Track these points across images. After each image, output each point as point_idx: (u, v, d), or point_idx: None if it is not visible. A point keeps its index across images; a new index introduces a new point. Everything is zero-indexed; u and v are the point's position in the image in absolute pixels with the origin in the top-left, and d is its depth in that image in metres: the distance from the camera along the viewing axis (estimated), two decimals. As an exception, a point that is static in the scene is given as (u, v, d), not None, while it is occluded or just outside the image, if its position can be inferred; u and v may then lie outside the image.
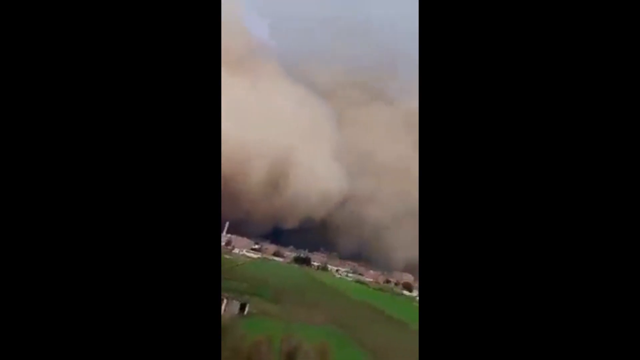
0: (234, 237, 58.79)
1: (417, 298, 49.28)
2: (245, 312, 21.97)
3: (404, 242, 69.52)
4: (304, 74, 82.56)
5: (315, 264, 55.69)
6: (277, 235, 66.60)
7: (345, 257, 64.74)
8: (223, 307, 20.30)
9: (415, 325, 32.37)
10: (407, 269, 62.52)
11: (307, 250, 61.43)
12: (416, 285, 55.05)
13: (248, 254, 53.63)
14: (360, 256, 66.90)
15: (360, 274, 57.29)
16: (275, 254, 56.34)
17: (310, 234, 67.02)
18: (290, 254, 58.88)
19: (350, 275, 55.77)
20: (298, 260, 54.52)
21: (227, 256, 46.73)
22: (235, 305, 21.95)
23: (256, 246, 58.04)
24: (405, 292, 52.00)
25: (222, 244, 55.33)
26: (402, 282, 56.08)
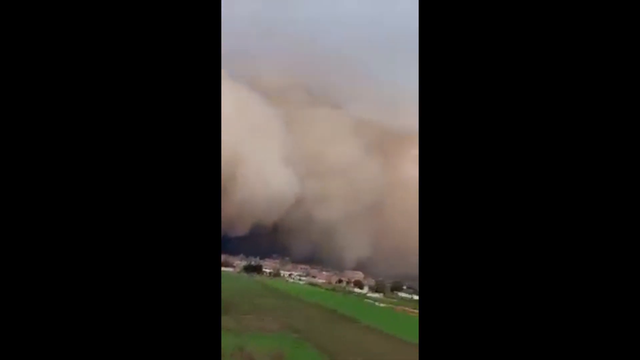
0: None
1: (367, 294, 50.80)
2: None
3: (355, 241, 71.44)
4: (246, 76, 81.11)
5: (267, 270, 54.80)
6: (225, 243, 64.47)
7: (298, 261, 64.68)
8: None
9: (366, 321, 33.34)
10: (357, 267, 64.31)
11: (258, 258, 60.19)
12: (366, 282, 56.80)
13: None
14: (313, 258, 67.39)
15: (313, 277, 57.67)
16: (224, 264, 54.31)
17: (261, 240, 65.89)
18: (240, 262, 57.20)
19: (303, 278, 55.86)
20: (248, 268, 53.21)
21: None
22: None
23: None
24: (357, 290, 53.36)
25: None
26: (353, 280, 57.49)
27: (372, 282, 57.08)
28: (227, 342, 19.66)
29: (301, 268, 60.61)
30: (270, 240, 67.02)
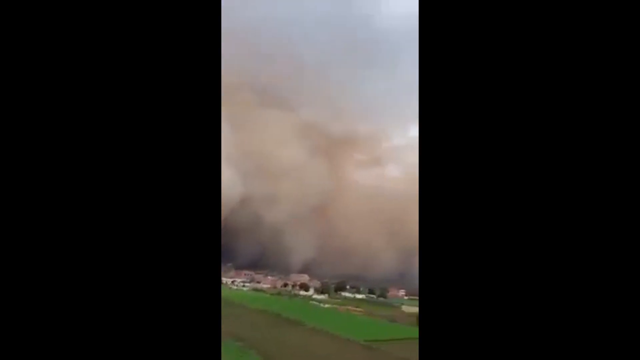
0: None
1: (313, 296, 51.53)
2: None
3: (301, 243, 71.77)
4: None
5: None
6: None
7: (243, 266, 63.17)
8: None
9: (311, 323, 33.69)
10: (303, 270, 64.73)
11: None
12: (312, 284, 57.49)
13: None
14: (258, 263, 66.34)
15: (257, 282, 56.72)
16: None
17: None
18: (180, 270, 54.29)
19: (247, 285, 54.70)
20: (189, 276, 50.64)
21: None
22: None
23: None
24: (302, 292, 53.78)
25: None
26: (298, 283, 57.79)
27: (317, 284, 57.93)
28: None
29: (245, 274, 59.33)
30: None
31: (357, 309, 43.86)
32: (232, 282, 54.20)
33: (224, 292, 45.69)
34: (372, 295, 55.58)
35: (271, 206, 73.35)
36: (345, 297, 53.14)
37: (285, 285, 57.18)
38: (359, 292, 56.69)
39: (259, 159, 76.28)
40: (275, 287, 55.20)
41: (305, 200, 74.39)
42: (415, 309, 34.66)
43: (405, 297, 54.07)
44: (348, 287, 58.56)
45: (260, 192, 73.94)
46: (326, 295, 52.85)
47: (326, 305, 45.79)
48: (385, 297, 55.10)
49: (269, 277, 59.99)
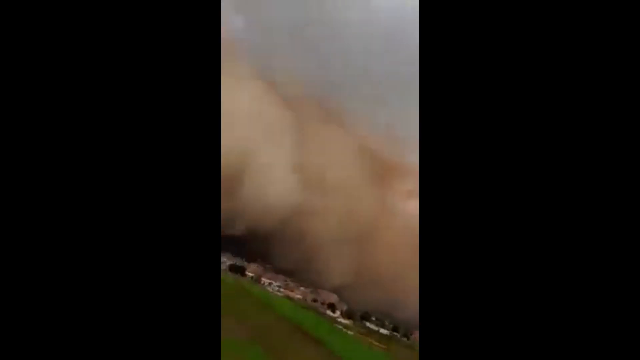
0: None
1: (338, 319, 52.02)
2: None
3: (338, 264, 72.24)
4: (272, 80, 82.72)
5: (250, 274, 56.07)
6: (216, 239, 65.43)
7: (280, 271, 65.67)
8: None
9: (332, 346, 34.07)
10: (335, 290, 65.25)
11: (244, 260, 61.49)
12: (339, 306, 57.94)
13: None
14: (295, 272, 68.37)
15: (290, 290, 58.66)
16: (211, 260, 55.71)
17: (251, 243, 67.11)
18: (226, 260, 58.58)
19: (281, 290, 56.90)
20: (233, 268, 54.51)
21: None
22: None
23: None
24: (329, 312, 54.48)
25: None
26: (327, 302, 58.54)
27: (344, 307, 58.26)
28: None
29: (281, 279, 61.72)
30: (259, 245, 68.25)
31: (380, 344, 43.24)
32: (269, 283, 56.64)
33: (259, 292, 48.18)
34: (396, 333, 54.48)
35: (318, 221, 75.10)
36: (369, 329, 52.74)
37: (315, 300, 58.25)
38: (383, 326, 55.89)
39: (316, 173, 78.71)
40: (305, 300, 56.58)
41: (351, 222, 74.81)
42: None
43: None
44: (374, 318, 57.98)
45: (311, 205, 76.16)
46: (351, 321, 52.94)
47: (350, 332, 45.96)
48: (408, 338, 53.67)
49: (301, 289, 61.58)
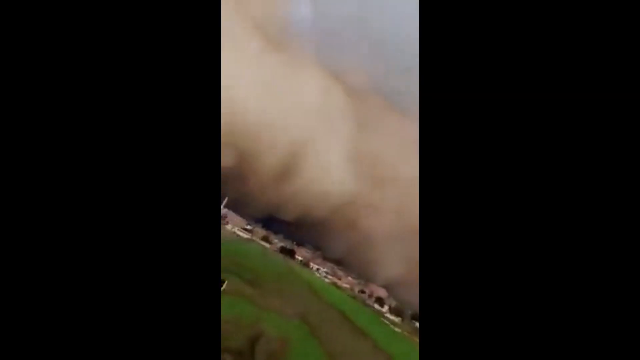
0: (230, 212, 60.20)
1: (386, 314, 50.59)
2: (222, 289, 22.64)
3: (390, 258, 70.53)
4: (335, 69, 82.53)
5: (299, 258, 57.05)
6: (271, 221, 68.02)
7: (329, 259, 65.99)
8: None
9: (378, 340, 33.37)
10: (384, 285, 63.71)
11: (294, 243, 62.84)
12: (388, 302, 56.31)
13: (239, 232, 55.15)
14: (344, 261, 68.18)
15: (338, 278, 58.56)
16: (264, 239, 57.79)
17: (303, 229, 68.35)
18: (277, 242, 60.29)
19: (329, 277, 57.08)
20: (283, 250, 55.83)
21: (218, 229, 47.86)
22: (214, 280, 22.73)
23: (248, 227, 59.40)
24: (376, 306, 53.28)
25: (217, 216, 56.22)
26: (375, 295, 57.34)
27: (393, 303, 56.47)
28: (248, 311, 21.87)
29: (329, 266, 61.86)
30: (311, 231, 69.22)
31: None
32: (317, 269, 57.23)
33: (307, 275, 49.11)
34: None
35: (372, 212, 73.77)
36: (416, 329, 50.43)
37: (362, 292, 57.48)
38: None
39: (374, 163, 77.19)
40: (352, 290, 56.10)
41: (408, 217, 72.30)
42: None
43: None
44: (424, 319, 55.25)
45: (366, 196, 75.03)
46: (399, 318, 51.18)
47: (397, 329, 44.52)
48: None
49: (349, 278, 61.14)
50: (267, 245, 55.56)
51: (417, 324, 52.40)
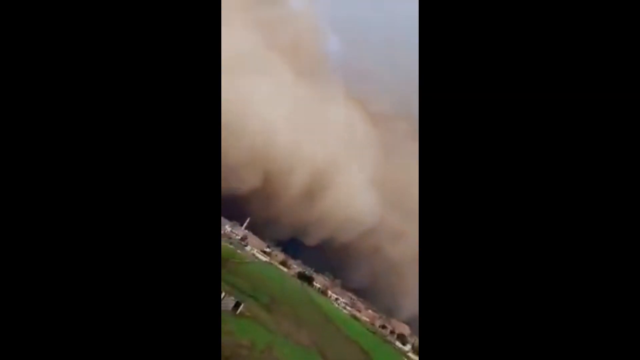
0: (250, 234, 60.77)
1: (408, 354, 47.97)
2: (238, 312, 22.78)
3: (414, 291, 67.91)
4: (361, 96, 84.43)
5: (317, 285, 55.97)
6: (292, 245, 67.93)
7: (349, 288, 64.36)
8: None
9: None
10: (407, 321, 60.94)
11: (312, 270, 61.93)
12: (411, 340, 53.50)
13: (258, 255, 55.24)
14: (365, 292, 66.23)
15: (357, 310, 56.66)
16: (282, 263, 57.44)
17: (325, 255, 67.59)
18: (296, 267, 59.69)
19: (347, 308, 55.39)
20: (301, 276, 55.13)
21: (238, 251, 48.60)
22: (230, 302, 23.03)
23: (267, 249, 59.53)
24: (398, 344, 50.80)
25: (238, 237, 57.31)
26: (397, 331, 54.74)
27: (417, 342, 53.59)
28: (262, 336, 21.58)
29: (348, 296, 60.16)
30: (332, 257, 68.30)
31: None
32: (336, 299, 55.83)
33: (325, 305, 47.99)
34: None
35: (399, 242, 72.06)
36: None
37: (384, 327, 55.10)
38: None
39: (401, 190, 76.40)
40: (373, 324, 53.96)
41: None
42: None
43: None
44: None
45: (391, 223, 73.76)
46: None
47: (418, 370, 41.94)
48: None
49: (370, 311, 58.99)
50: (284, 269, 55.17)
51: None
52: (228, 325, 17.92)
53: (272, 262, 55.48)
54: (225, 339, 15.71)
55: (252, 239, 59.91)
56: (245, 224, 62.98)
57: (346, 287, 64.06)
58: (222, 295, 21.69)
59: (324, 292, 53.89)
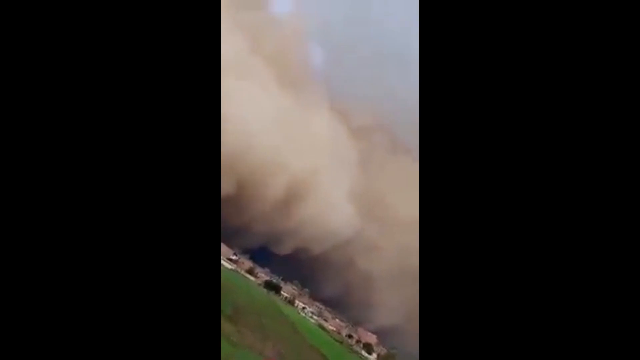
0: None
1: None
2: None
3: (388, 302, 69.35)
4: (344, 108, 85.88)
5: (284, 294, 56.52)
6: (260, 254, 67.59)
7: (319, 298, 65.01)
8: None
9: None
10: (376, 331, 62.25)
11: (280, 278, 62.14)
12: (377, 349, 54.97)
13: (223, 262, 54.76)
14: (335, 303, 67.04)
15: (324, 319, 57.44)
16: (249, 272, 57.20)
17: (295, 264, 68.02)
18: (263, 276, 59.63)
19: (314, 317, 56.14)
20: (268, 285, 55.14)
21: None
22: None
23: (233, 257, 57.68)
24: (364, 353, 52.10)
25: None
26: (364, 341, 56.00)
27: (383, 351, 55.17)
28: (223, 349, 21.77)
29: (316, 305, 60.77)
30: (302, 266, 68.85)
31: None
32: (303, 308, 56.34)
33: (292, 314, 48.00)
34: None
35: (373, 254, 73.40)
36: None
37: (350, 336, 56.17)
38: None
39: (378, 204, 77.88)
40: (339, 333, 55.04)
41: (409, 260, 72.10)
42: None
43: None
44: (415, 371, 53.42)
45: (366, 235, 75.12)
46: (388, 368, 49.74)
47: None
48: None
49: (337, 320, 59.91)
50: (251, 278, 54.96)
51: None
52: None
53: (239, 270, 54.78)
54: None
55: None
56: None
57: (317, 297, 64.61)
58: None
59: (291, 302, 54.47)
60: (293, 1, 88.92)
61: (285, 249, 69.99)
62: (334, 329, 55.20)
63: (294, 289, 60.55)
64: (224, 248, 60.04)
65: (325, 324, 54.79)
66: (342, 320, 60.71)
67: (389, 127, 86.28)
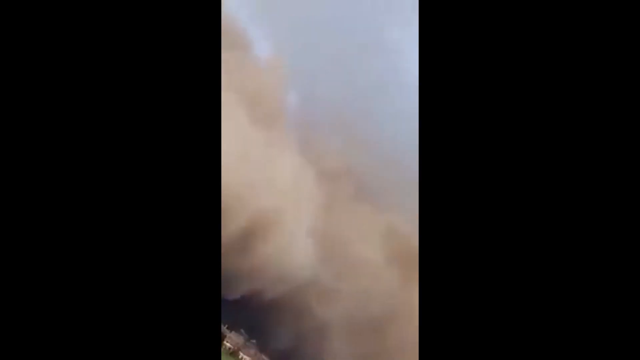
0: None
1: None
2: None
3: (344, 352, 66.36)
4: (312, 152, 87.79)
5: (228, 344, 53.12)
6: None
7: (269, 350, 61.71)
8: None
9: None
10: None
11: (225, 326, 59.13)
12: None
13: None
14: (285, 353, 63.81)
15: (267, 373, 53.82)
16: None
17: (244, 311, 65.16)
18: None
19: (249, 368, 52.40)
20: (211, 333, 52.05)
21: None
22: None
23: None
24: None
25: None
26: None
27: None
28: None
29: (262, 358, 57.38)
30: (252, 313, 65.95)
31: None
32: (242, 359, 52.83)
33: None
34: None
35: (330, 302, 71.50)
36: None
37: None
38: None
39: (338, 248, 77.33)
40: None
41: (368, 310, 70.16)
42: None
43: None
44: None
45: (325, 280, 73.57)
46: None
47: None
48: None
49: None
50: None
51: None
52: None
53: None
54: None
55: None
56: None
57: (263, 348, 61.41)
58: None
59: (233, 353, 51.16)
60: (275, 45, 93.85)
61: (234, 293, 67.24)
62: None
63: (238, 337, 57.28)
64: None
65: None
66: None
67: (355, 174, 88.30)
